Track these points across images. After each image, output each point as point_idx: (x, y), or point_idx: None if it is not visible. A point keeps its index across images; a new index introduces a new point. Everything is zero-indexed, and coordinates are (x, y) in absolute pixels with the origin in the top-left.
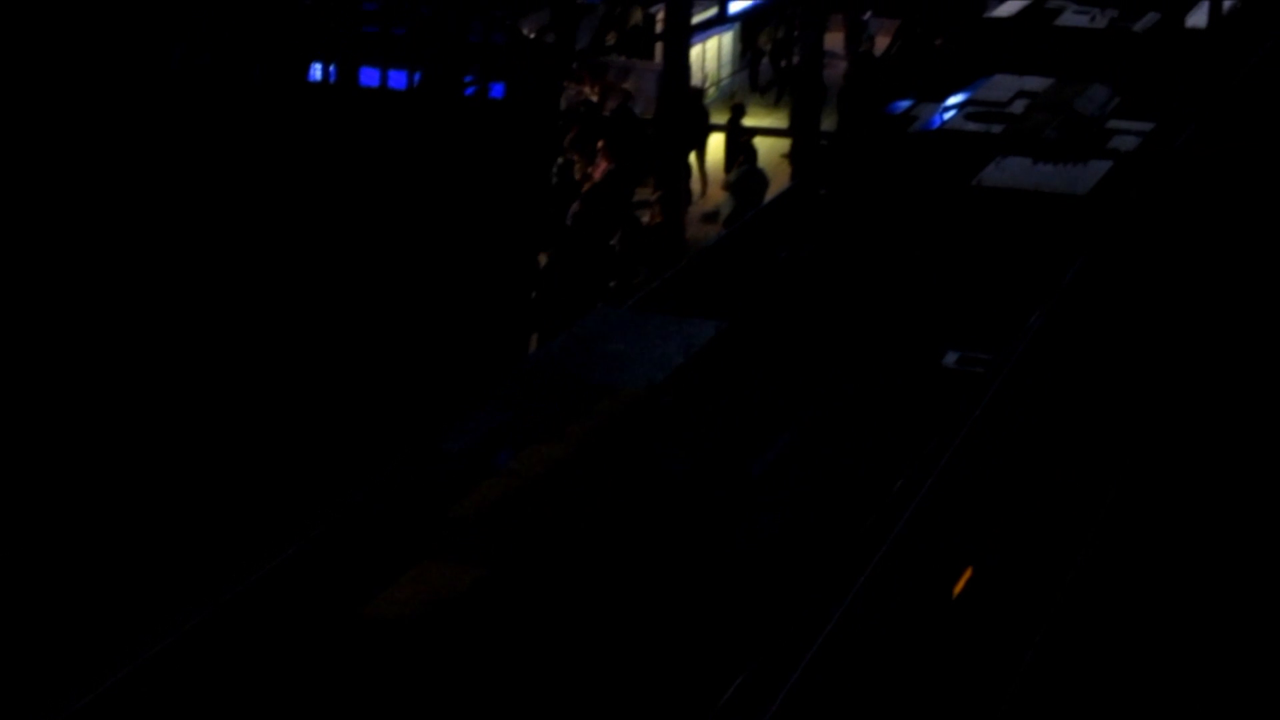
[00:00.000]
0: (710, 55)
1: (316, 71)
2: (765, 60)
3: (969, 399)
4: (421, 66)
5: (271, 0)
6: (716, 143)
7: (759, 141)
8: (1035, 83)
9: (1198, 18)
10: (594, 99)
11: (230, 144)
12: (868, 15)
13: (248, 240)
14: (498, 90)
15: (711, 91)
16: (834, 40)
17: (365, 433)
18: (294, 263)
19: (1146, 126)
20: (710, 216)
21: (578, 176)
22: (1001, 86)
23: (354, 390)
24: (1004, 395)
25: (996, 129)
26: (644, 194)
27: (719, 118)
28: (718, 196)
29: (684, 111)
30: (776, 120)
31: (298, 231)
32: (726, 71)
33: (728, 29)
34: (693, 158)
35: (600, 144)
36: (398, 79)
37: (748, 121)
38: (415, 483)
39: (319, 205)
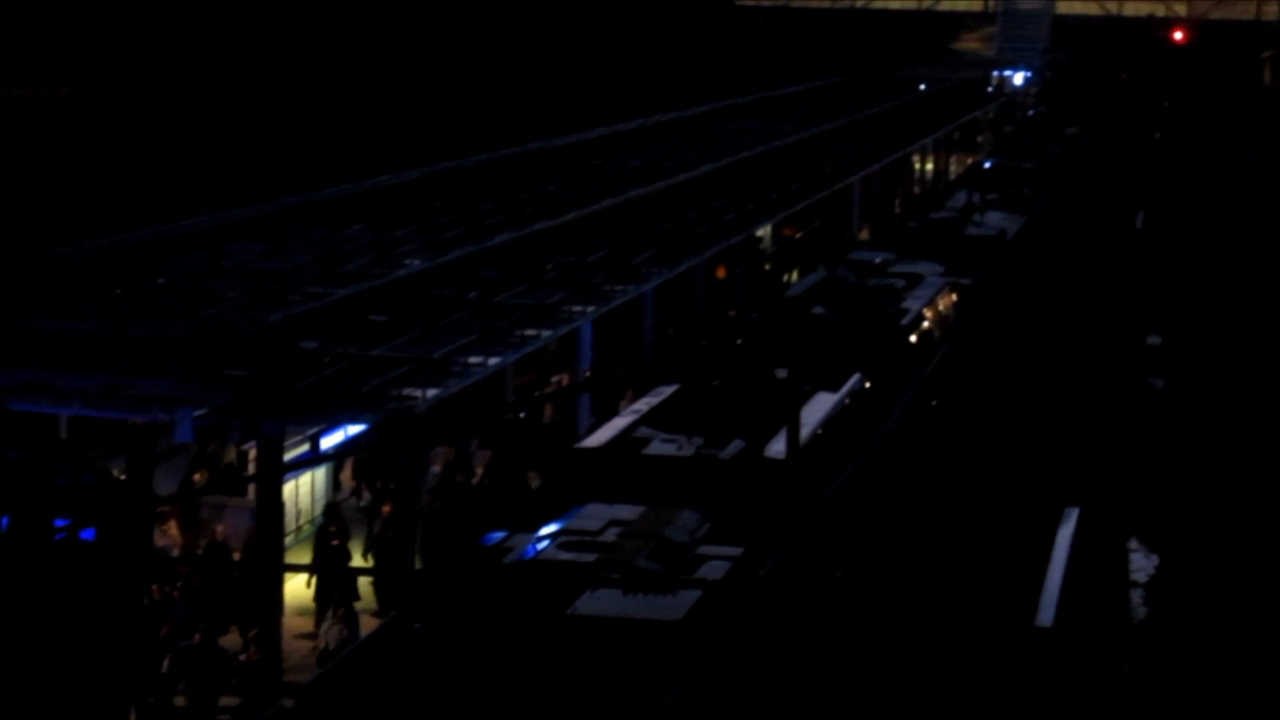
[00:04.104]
0: (304, 492)
1: None
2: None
3: None
4: (9, 511)
5: None
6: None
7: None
8: (626, 511)
9: (778, 446)
10: (178, 543)
11: None
12: (473, 447)
13: None
14: (88, 534)
15: (305, 528)
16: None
17: None
18: None
19: (735, 552)
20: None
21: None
22: (593, 515)
23: None
24: None
25: (589, 558)
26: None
27: (306, 555)
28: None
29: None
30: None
31: None
32: (320, 508)
33: (321, 466)
34: (289, 592)
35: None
36: None
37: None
38: None
39: None
